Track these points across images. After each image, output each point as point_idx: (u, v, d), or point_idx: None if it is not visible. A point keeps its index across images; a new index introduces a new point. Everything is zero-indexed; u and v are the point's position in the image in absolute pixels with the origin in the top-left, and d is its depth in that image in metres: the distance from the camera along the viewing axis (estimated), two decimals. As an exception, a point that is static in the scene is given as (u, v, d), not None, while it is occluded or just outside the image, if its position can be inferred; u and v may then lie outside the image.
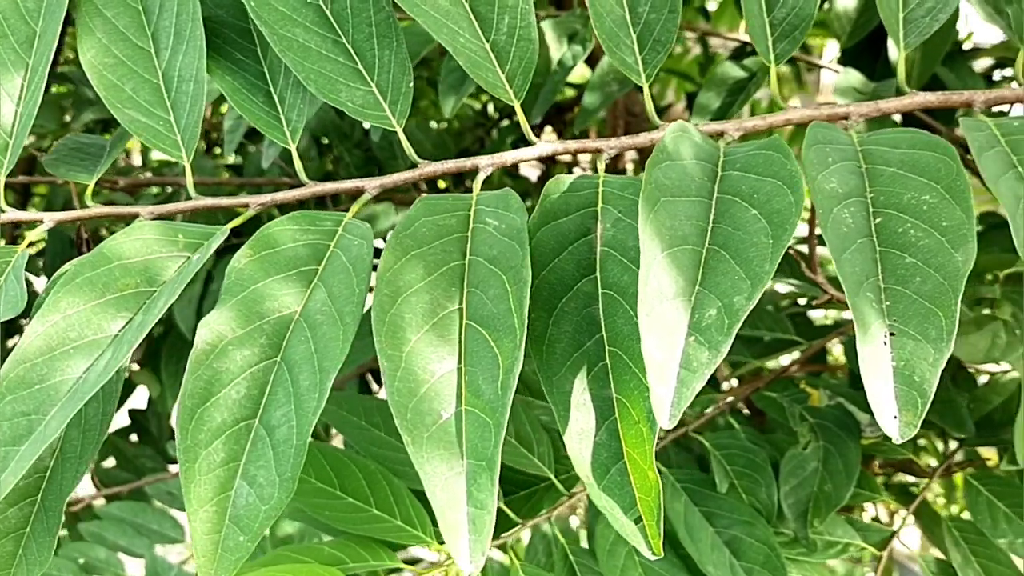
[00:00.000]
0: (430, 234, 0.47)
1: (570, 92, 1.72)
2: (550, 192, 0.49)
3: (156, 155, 1.82)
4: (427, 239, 0.46)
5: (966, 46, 1.25)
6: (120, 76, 0.56)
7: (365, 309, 0.44)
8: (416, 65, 1.41)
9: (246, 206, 0.54)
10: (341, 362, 0.42)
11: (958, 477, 0.88)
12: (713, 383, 1.24)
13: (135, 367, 1.48)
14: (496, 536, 0.75)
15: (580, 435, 0.43)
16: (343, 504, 0.69)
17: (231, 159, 1.69)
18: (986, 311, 0.74)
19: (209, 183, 1.34)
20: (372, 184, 0.54)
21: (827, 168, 0.46)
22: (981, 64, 1.32)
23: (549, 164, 1.74)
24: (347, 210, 0.51)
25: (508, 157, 0.54)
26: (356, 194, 0.54)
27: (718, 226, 0.43)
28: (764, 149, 0.47)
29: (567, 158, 1.69)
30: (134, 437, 1.49)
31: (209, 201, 0.55)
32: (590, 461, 0.42)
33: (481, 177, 0.53)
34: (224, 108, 1.51)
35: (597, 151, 0.54)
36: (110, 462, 1.50)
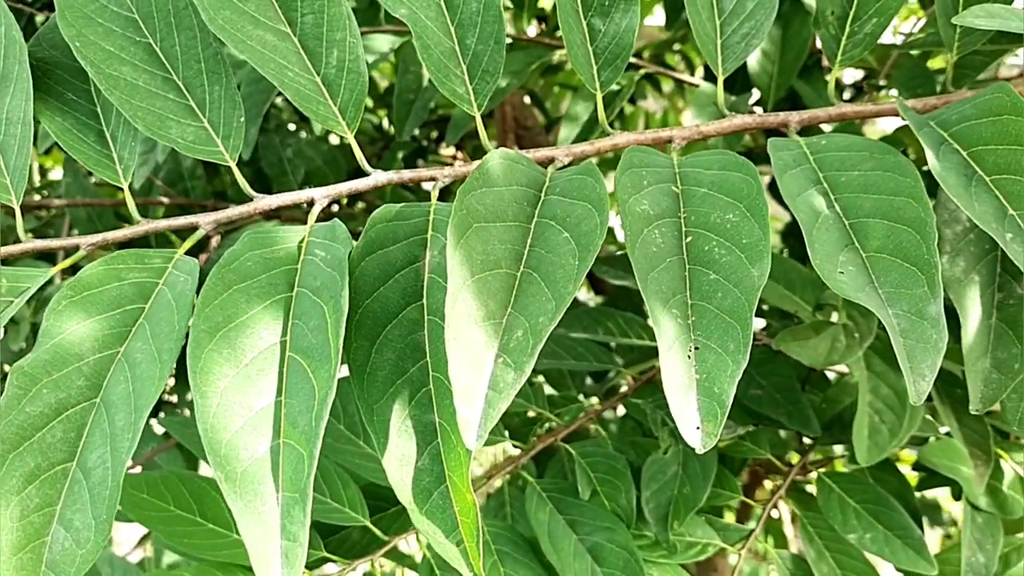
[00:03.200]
0: (256, 268, 0.47)
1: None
2: (376, 222, 0.49)
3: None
4: (253, 273, 0.47)
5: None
6: (-55, 119, 0.55)
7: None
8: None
9: (77, 247, 0.53)
10: (155, 401, 0.42)
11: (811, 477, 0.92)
12: (612, 388, 1.26)
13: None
14: (364, 555, 0.75)
15: (401, 461, 0.43)
16: (203, 531, 0.69)
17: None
18: (833, 317, 0.77)
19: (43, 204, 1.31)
20: (206, 220, 0.54)
21: (640, 191, 0.48)
22: (854, 75, 1.39)
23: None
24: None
25: (343, 188, 0.55)
26: (191, 230, 0.54)
27: (534, 249, 0.44)
28: (579, 174, 0.48)
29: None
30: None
31: (39, 243, 0.54)
32: (411, 486, 0.43)
33: (316, 209, 0.54)
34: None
35: (431, 179, 0.55)
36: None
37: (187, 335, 0.44)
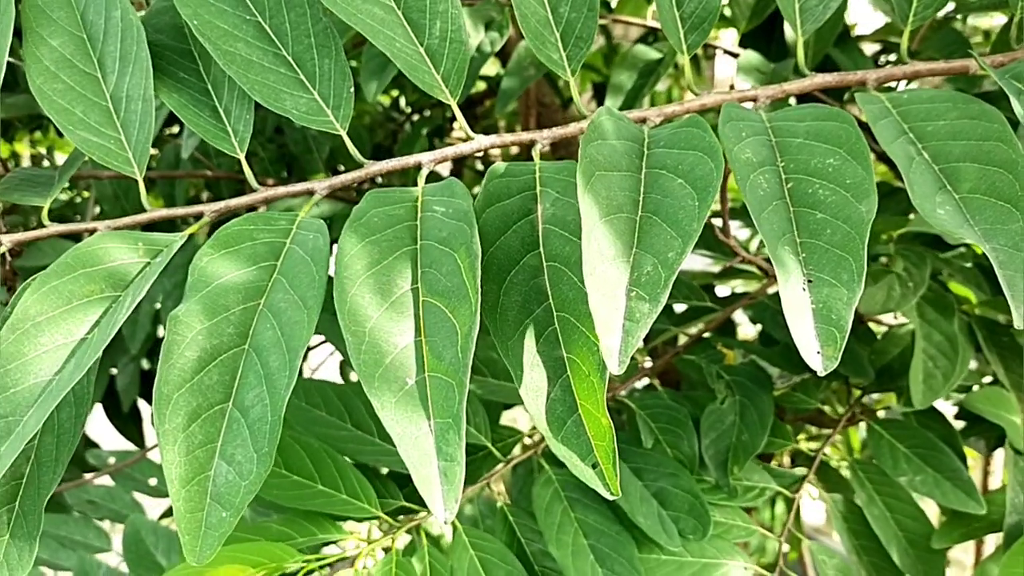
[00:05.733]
0: (381, 223, 0.50)
1: (480, 85, 1.78)
2: (491, 177, 0.52)
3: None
4: (379, 227, 0.50)
5: (856, 32, 1.35)
6: (70, 100, 0.58)
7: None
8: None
9: (201, 214, 0.56)
10: (308, 341, 0.45)
11: (853, 432, 0.96)
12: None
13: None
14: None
15: (535, 392, 0.46)
16: (289, 482, 0.72)
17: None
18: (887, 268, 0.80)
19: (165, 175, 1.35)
20: (321, 186, 0.57)
21: (741, 140, 0.50)
22: (869, 49, 1.42)
23: (457, 163, 1.79)
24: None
25: (448, 152, 0.58)
26: (307, 194, 0.57)
27: (649, 195, 0.47)
28: (685, 127, 0.51)
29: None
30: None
31: (165, 212, 0.57)
32: (545, 415, 0.46)
33: (425, 172, 0.57)
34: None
35: (532, 142, 0.58)
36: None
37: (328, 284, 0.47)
